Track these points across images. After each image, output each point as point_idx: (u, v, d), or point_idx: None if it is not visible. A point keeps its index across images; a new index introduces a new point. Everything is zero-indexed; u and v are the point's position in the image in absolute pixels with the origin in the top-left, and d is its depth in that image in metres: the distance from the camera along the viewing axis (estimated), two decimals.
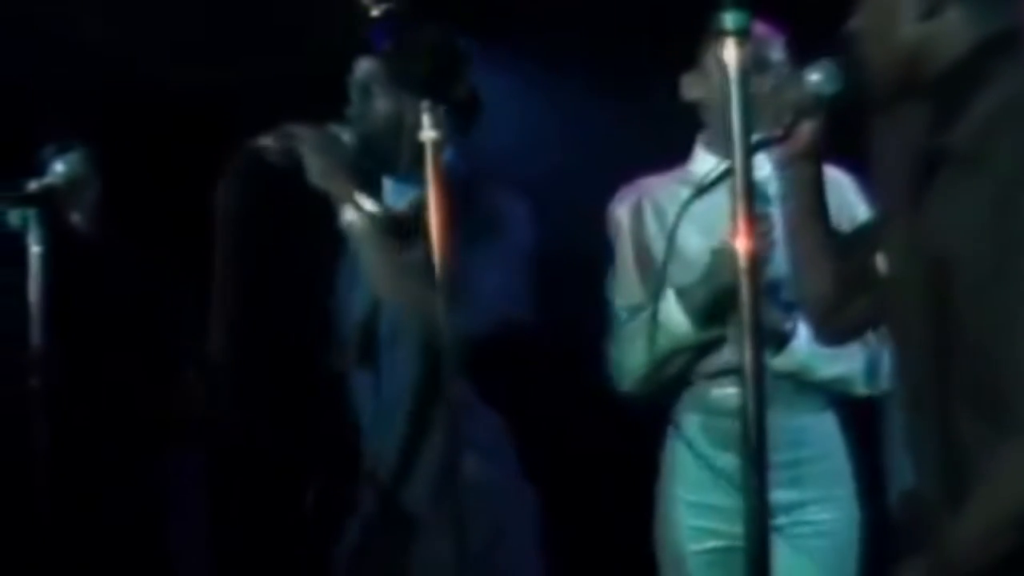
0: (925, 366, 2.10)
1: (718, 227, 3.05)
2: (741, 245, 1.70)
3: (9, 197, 3.06)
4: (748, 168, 1.65)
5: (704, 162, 3.22)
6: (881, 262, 2.23)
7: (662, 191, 3.28)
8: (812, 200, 2.36)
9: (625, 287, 3.29)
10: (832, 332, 2.50)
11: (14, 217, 3.04)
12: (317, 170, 3.00)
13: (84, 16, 4.75)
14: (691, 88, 3.22)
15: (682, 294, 3.16)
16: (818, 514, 3.17)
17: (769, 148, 2.31)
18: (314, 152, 3.00)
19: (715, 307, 3.13)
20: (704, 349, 3.20)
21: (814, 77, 2.26)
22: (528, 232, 3.07)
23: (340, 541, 3.18)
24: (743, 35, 1.68)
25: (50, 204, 3.07)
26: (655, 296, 3.13)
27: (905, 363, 2.21)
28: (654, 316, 3.12)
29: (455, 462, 2.54)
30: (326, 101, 3.21)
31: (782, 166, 2.37)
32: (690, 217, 3.14)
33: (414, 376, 3.04)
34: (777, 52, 3.12)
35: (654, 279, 3.17)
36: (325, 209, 3.08)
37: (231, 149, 3.03)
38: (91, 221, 3.94)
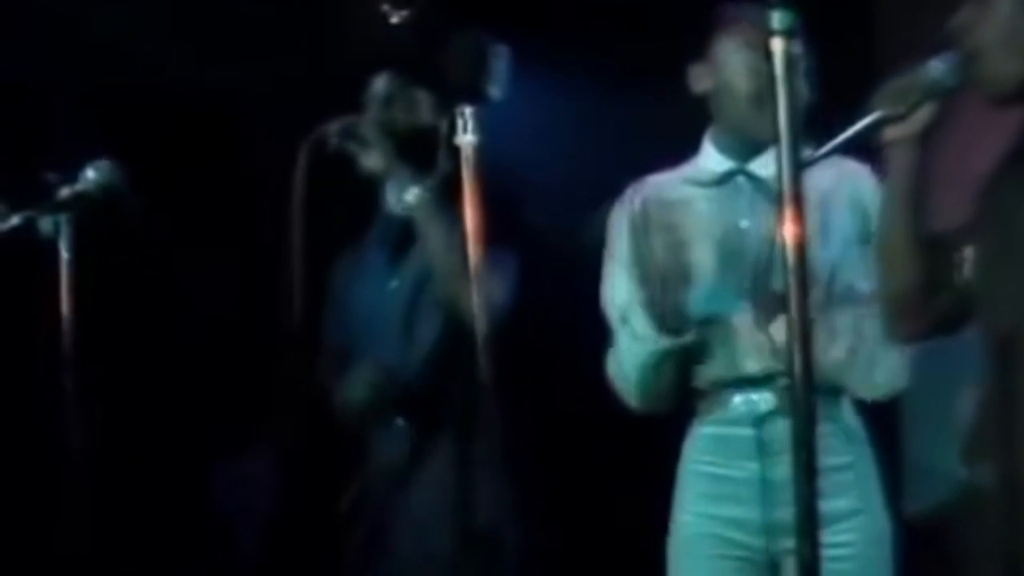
0: (1016, 363, 2.13)
1: (724, 227, 3.07)
2: (788, 236, 1.71)
3: (41, 204, 3.09)
4: (795, 162, 1.68)
5: (712, 158, 3.15)
6: (969, 256, 2.27)
7: (669, 188, 3.21)
8: (908, 187, 2.36)
9: (617, 287, 3.20)
10: (907, 330, 2.48)
11: (46, 224, 3.06)
12: (380, 154, 3.17)
13: (91, 17, 4.79)
14: (700, 80, 3.13)
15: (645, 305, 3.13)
16: (839, 535, 2.95)
17: (886, 126, 2.32)
18: (378, 138, 3.14)
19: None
20: (692, 356, 3.12)
21: (939, 66, 2.29)
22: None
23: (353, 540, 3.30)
24: (791, 34, 1.72)
25: (82, 211, 3.09)
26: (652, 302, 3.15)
27: (995, 360, 2.22)
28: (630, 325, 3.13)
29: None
30: (336, 103, 3.28)
31: (888, 147, 2.36)
32: (696, 217, 3.16)
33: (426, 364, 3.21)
34: (795, 45, 3.12)
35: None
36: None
37: (237, 152, 3.10)
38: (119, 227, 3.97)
